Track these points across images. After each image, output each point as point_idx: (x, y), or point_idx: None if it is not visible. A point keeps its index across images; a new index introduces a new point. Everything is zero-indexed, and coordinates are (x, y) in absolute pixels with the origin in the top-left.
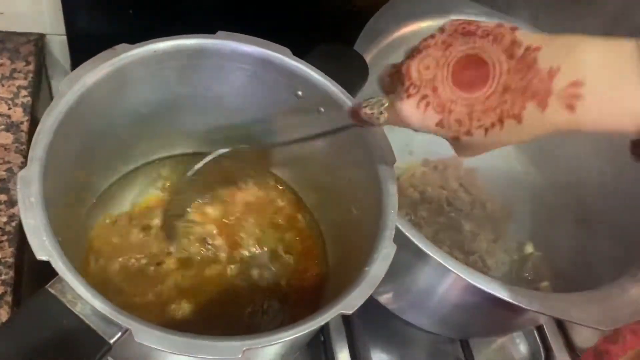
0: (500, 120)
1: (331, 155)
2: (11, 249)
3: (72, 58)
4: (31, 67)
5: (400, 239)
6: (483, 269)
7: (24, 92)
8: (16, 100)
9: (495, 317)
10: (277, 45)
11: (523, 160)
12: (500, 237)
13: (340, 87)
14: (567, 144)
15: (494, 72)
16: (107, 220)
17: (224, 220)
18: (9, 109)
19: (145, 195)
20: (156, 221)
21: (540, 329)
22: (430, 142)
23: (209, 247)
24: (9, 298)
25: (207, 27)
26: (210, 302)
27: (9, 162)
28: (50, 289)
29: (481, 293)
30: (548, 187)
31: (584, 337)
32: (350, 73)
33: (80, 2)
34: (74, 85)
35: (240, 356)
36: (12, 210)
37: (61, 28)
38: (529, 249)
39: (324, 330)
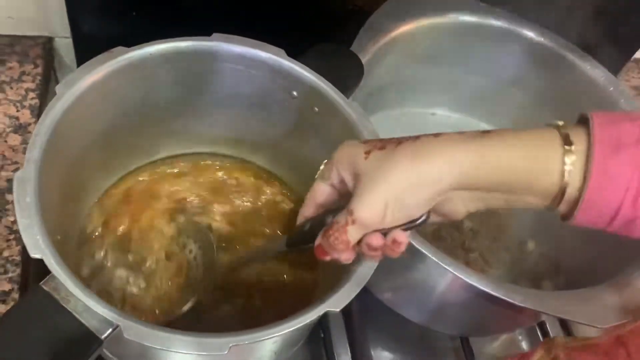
0: None
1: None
2: (18, 247)
3: (78, 60)
4: (39, 69)
5: None
6: (484, 267)
7: (32, 95)
8: (24, 103)
9: (493, 314)
10: (272, 47)
11: None
12: (502, 235)
13: (333, 87)
14: None
15: None
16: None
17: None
18: (17, 110)
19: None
20: (158, 220)
21: (542, 325)
22: None
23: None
24: (15, 295)
25: (209, 29)
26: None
27: (16, 162)
28: (44, 286)
29: (476, 290)
30: None
31: (587, 334)
32: (346, 73)
33: (84, 4)
34: (70, 88)
35: (226, 352)
36: None
37: (68, 31)
38: (531, 246)
39: (323, 326)
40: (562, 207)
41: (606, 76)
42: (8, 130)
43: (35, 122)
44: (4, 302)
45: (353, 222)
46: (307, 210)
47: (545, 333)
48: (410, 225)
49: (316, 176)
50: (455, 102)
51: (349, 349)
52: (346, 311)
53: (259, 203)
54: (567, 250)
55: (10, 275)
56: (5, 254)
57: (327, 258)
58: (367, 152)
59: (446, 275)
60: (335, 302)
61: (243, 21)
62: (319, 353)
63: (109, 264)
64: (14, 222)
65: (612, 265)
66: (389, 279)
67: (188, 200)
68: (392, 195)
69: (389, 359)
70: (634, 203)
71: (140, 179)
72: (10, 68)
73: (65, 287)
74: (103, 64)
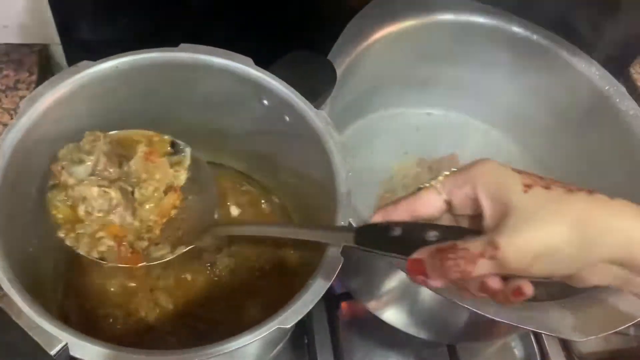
0: None
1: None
2: None
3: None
4: (34, 77)
5: None
6: None
7: None
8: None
9: (477, 323)
10: (240, 56)
11: (526, 158)
12: None
13: (301, 97)
14: (573, 141)
15: None
16: None
17: None
18: (12, 119)
19: None
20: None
21: (536, 332)
22: (426, 142)
23: None
24: None
25: (197, 36)
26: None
27: None
28: None
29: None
30: None
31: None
32: (318, 80)
33: (70, 11)
34: (34, 104)
35: None
36: None
37: None
38: None
39: (308, 333)
40: None
41: (601, 73)
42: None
43: None
44: None
45: (492, 257)
46: (397, 214)
47: (539, 340)
48: (544, 280)
49: (427, 184)
50: (450, 102)
51: (332, 354)
52: (331, 317)
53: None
54: None
55: None
56: None
57: (420, 278)
58: (527, 186)
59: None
60: (287, 319)
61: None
62: (302, 357)
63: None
64: None
65: None
66: (371, 285)
67: None
68: (552, 246)
69: None
70: None
71: None
72: (6, 76)
73: (16, 303)
74: (68, 78)
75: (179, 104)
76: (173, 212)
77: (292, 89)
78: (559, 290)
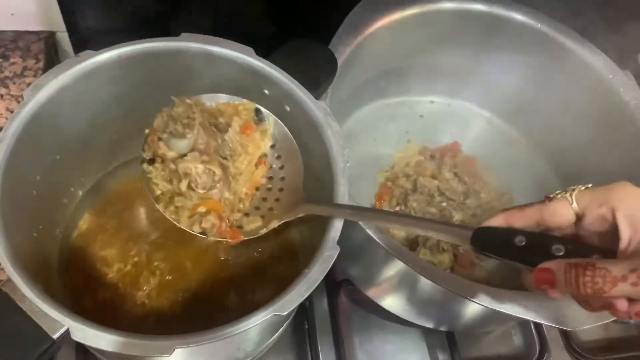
0: None
1: None
2: None
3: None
4: (41, 64)
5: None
6: (474, 260)
7: None
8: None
9: (471, 310)
10: (241, 45)
11: (529, 146)
12: None
13: (301, 86)
14: (577, 131)
15: None
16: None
17: None
18: None
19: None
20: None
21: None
22: (429, 130)
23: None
24: None
25: (198, 25)
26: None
27: None
28: (2, 288)
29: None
30: (552, 174)
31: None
32: (319, 69)
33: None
34: (37, 94)
35: (170, 355)
36: None
37: None
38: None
39: (309, 318)
40: None
41: (605, 63)
42: None
43: None
44: None
45: (635, 285)
46: (523, 220)
47: (538, 329)
48: None
49: (559, 193)
50: (453, 90)
51: (332, 339)
52: (331, 303)
53: None
54: None
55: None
56: None
57: (544, 287)
58: None
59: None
60: (282, 306)
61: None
62: (303, 343)
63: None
64: None
65: None
66: (370, 273)
67: None
68: None
69: (374, 351)
70: None
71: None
72: (13, 63)
73: (19, 289)
74: (71, 68)
75: (180, 93)
76: (263, 183)
77: (293, 79)
78: None
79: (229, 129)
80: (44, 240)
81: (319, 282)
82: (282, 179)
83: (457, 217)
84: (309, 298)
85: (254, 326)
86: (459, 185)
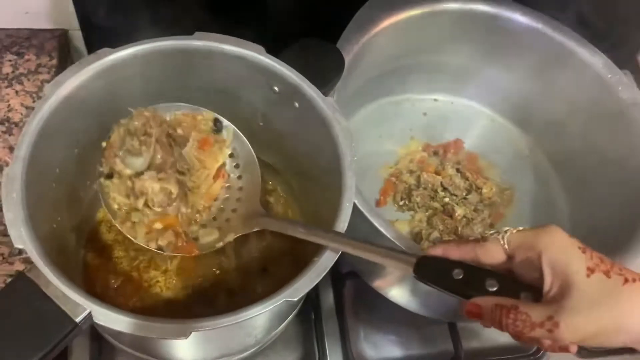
0: None
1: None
2: None
3: (90, 52)
4: (54, 61)
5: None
6: None
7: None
8: (40, 94)
9: None
10: (251, 44)
11: (530, 144)
12: (498, 222)
13: (310, 84)
14: (577, 129)
15: None
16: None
17: None
18: (34, 101)
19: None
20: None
21: None
22: (433, 128)
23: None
24: None
25: (211, 24)
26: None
27: None
28: (27, 274)
29: None
30: (553, 171)
31: None
32: (327, 67)
33: None
34: (58, 89)
35: (186, 338)
36: None
37: None
38: None
39: (315, 308)
40: None
41: (605, 63)
42: (25, 120)
43: None
44: None
45: (550, 331)
46: (458, 254)
47: None
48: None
49: (493, 234)
50: (457, 88)
51: (338, 329)
52: (337, 294)
53: None
54: None
55: (24, 255)
56: None
57: (475, 320)
58: (591, 270)
59: None
60: (293, 292)
61: (243, 17)
62: (309, 333)
63: None
64: None
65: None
66: (377, 266)
67: None
68: (608, 331)
69: (378, 341)
70: None
71: None
72: (28, 60)
73: (44, 275)
74: (89, 65)
75: (193, 89)
76: (220, 194)
77: (302, 76)
78: None
79: (187, 145)
80: (62, 232)
81: (328, 269)
82: (240, 189)
83: (459, 211)
84: (316, 290)
85: (266, 311)
86: (461, 181)
